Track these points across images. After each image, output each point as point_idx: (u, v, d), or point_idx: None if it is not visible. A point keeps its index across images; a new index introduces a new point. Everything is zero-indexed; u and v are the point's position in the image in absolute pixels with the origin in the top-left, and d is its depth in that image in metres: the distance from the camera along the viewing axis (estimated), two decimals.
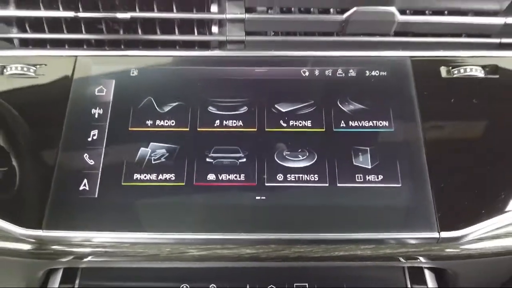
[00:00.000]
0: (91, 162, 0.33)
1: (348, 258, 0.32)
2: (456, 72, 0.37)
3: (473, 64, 0.37)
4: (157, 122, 0.35)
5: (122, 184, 0.33)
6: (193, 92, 0.36)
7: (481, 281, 0.38)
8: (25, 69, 0.36)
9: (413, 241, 0.31)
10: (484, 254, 0.33)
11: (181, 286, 0.34)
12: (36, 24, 0.40)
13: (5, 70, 0.36)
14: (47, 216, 0.31)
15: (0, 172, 0.33)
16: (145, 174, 0.33)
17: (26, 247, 0.32)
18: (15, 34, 0.39)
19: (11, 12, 0.39)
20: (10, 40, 0.40)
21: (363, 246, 0.32)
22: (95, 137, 0.34)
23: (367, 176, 0.33)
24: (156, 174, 0.33)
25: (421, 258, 0.34)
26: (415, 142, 0.34)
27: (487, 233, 0.33)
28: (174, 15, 0.39)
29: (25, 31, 0.40)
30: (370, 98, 0.36)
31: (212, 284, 0.34)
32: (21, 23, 0.40)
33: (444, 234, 0.31)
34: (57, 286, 0.35)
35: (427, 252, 0.32)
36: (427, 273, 0.36)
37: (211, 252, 0.32)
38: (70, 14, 0.38)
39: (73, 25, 0.40)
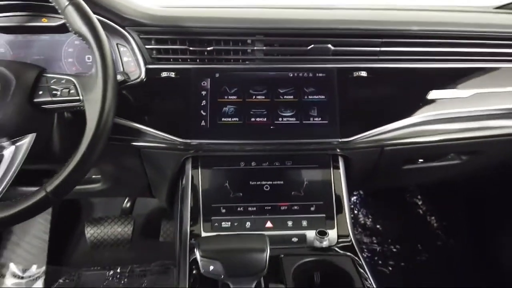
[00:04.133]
0: (204, 113, 0.81)
1: (309, 149, 0.82)
2: (355, 74, 0.85)
3: (362, 70, 0.85)
4: (229, 97, 0.82)
5: (218, 122, 0.81)
6: (243, 83, 0.83)
7: (364, 165, 0.88)
8: (170, 74, 0.83)
9: (331, 142, 0.81)
10: (360, 147, 0.83)
11: (240, 163, 0.84)
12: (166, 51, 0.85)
13: (161, 74, 0.83)
14: (190, 134, 0.80)
15: (167, 117, 0.82)
16: (226, 118, 0.81)
17: (181, 146, 0.81)
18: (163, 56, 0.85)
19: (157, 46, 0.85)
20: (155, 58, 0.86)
21: (313, 145, 0.82)
22: (204, 104, 0.82)
23: (315, 118, 0.82)
24: (230, 118, 0.81)
25: (337, 150, 0.84)
26: (334, 104, 0.82)
27: (362, 139, 0.82)
28: (231, 47, 0.85)
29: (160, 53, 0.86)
30: (317, 86, 0.84)
31: (253, 162, 0.84)
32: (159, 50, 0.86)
33: (342, 140, 0.81)
34: (190, 167, 0.85)
35: (336, 147, 0.82)
36: (340, 158, 0.86)
37: (254, 147, 0.82)
38: (185, 47, 0.85)
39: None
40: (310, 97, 0.83)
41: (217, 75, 0.83)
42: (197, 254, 0.58)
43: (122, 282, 1.37)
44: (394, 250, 1.51)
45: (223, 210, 0.78)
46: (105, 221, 1.35)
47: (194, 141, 0.80)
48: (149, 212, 1.45)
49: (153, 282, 1.36)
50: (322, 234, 0.72)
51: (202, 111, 0.81)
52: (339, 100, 0.83)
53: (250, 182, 0.81)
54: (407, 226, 1.59)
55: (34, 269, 1.35)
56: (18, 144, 0.62)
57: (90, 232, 1.34)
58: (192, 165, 0.83)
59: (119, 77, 0.72)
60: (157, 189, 0.99)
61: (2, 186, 0.60)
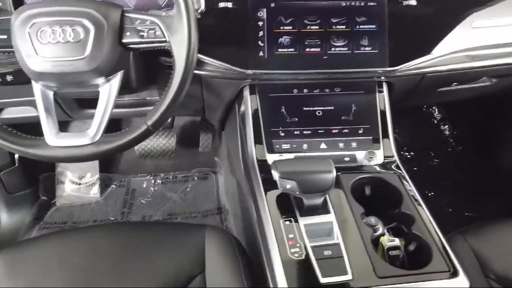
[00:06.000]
0: (262, 44, 0.87)
1: (357, 77, 0.90)
2: (405, 2, 0.88)
3: None
4: (284, 27, 0.87)
5: (274, 52, 0.87)
6: (298, 13, 0.87)
7: (403, 89, 0.96)
8: (227, 4, 0.86)
9: (378, 71, 0.89)
10: (405, 75, 0.90)
11: (293, 90, 0.92)
12: None
13: (219, 4, 0.86)
14: (249, 65, 0.87)
15: (227, 48, 0.87)
16: (283, 49, 0.87)
17: (240, 76, 0.88)
18: None
19: None
20: None
21: (363, 74, 0.89)
22: (261, 34, 0.87)
23: (365, 48, 0.88)
24: (286, 49, 0.87)
25: (382, 78, 0.91)
26: (384, 33, 0.87)
27: (408, 67, 0.89)
28: None
29: None
30: (368, 15, 0.87)
31: (305, 89, 0.92)
32: None
33: (389, 68, 0.88)
34: (248, 93, 0.92)
35: (382, 75, 0.90)
36: (384, 84, 0.93)
37: (307, 76, 0.89)
38: None
39: None
40: (361, 26, 0.87)
41: (272, 5, 0.86)
42: (276, 175, 0.70)
43: (168, 186, 1.55)
44: (409, 156, 1.67)
45: (282, 134, 0.88)
46: None
47: (253, 71, 0.87)
48: (187, 126, 1.56)
49: (195, 186, 1.54)
50: (371, 154, 0.84)
51: (260, 42, 0.86)
52: (388, 30, 0.87)
53: (304, 108, 0.90)
54: (421, 135, 1.73)
55: (89, 176, 1.51)
56: (111, 81, 0.70)
57: None
58: (250, 91, 0.91)
59: None
60: (211, 112, 1.08)
61: (106, 119, 0.69)
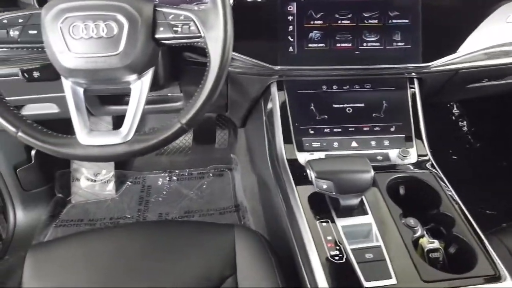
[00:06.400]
0: (292, 39, 0.84)
1: (389, 73, 0.87)
2: None
3: None
4: (315, 22, 0.84)
5: (305, 48, 0.85)
6: (329, 8, 0.84)
7: (433, 85, 0.94)
8: None
9: (411, 66, 0.86)
10: (437, 71, 0.88)
11: (322, 87, 0.90)
12: None
13: None
14: (278, 60, 0.84)
15: (256, 43, 0.85)
16: (313, 44, 0.84)
17: (269, 72, 0.86)
18: None
19: None
20: None
21: (394, 69, 0.86)
22: (290, 29, 0.84)
23: (398, 43, 0.85)
24: (317, 44, 0.84)
25: (413, 74, 0.89)
26: (417, 28, 0.85)
27: (441, 63, 0.86)
28: None
29: None
30: (402, 9, 0.84)
31: (334, 85, 0.89)
32: None
33: (422, 64, 0.85)
34: (276, 90, 0.90)
35: (415, 70, 0.87)
36: (415, 80, 0.91)
37: (338, 73, 0.86)
38: None
39: None
40: (394, 21, 0.85)
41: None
42: (312, 175, 0.68)
43: (183, 183, 1.53)
44: None
45: (312, 132, 0.86)
46: None
47: (283, 67, 0.85)
48: (203, 122, 1.54)
49: (211, 183, 1.53)
50: (405, 153, 0.82)
51: (289, 37, 0.84)
52: (422, 24, 0.85)
53: (333, 105, 0.88)
54: (439, 131, 1.70)
55: (104, 173, 1.49)
56: (143, 78, 0.68)
57: None
58: (278, 88, 0.89)
59: None
60: (234, 108, 1.06)
61: (139, 117, 0.66)
